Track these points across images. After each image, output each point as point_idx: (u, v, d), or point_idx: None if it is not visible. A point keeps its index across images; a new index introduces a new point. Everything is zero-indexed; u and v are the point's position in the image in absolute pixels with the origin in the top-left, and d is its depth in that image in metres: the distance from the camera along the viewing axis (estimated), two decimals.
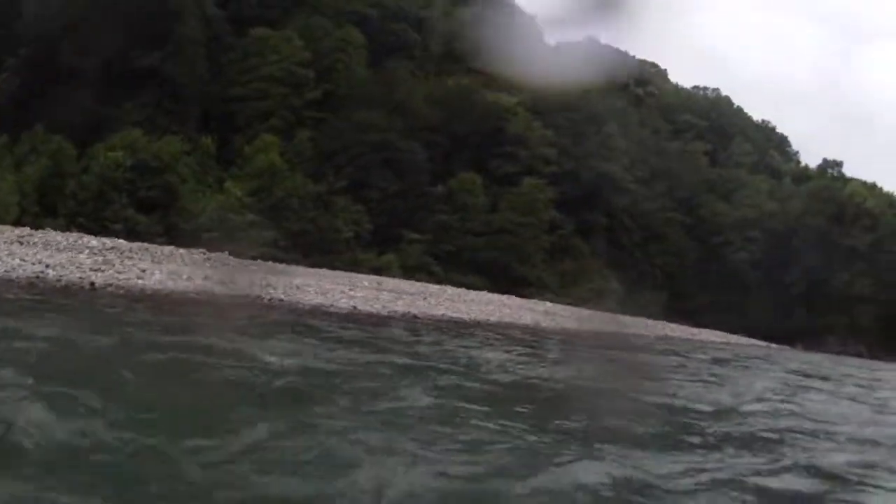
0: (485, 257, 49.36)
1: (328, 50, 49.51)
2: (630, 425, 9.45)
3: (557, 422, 9.88)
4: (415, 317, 27.06)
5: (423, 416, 8.67)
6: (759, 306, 66.56)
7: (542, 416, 10.15)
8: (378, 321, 23.54)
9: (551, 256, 54.35)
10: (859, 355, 64.25)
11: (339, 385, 10.75)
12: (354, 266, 41.19)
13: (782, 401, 16.01)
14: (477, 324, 28.37)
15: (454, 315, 29.23)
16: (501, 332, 26.42)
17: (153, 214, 35.48)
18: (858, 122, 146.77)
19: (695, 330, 54.28)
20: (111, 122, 37.49)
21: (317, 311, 23.15)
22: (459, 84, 54.93)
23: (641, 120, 65.53)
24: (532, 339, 25.28)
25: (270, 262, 35.39)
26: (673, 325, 52.80)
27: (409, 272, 43.48)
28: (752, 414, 13.35)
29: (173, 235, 34.53)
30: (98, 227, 32.83)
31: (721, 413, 12.63)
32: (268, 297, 23.46)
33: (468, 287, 44.05)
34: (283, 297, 24.08)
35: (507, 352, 19.35)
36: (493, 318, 31.45)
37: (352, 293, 28.57)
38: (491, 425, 8.73)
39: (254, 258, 34.84)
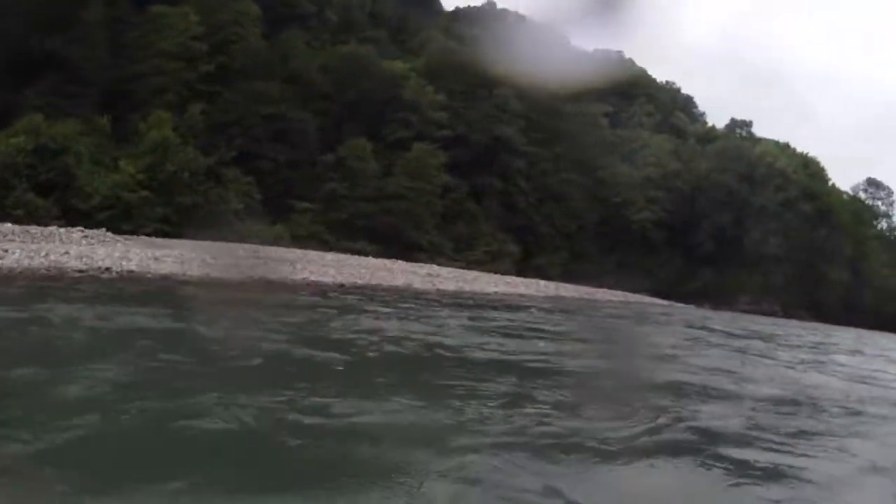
0: (376, 223, 54.58)
1: (224, 23, 53.75)
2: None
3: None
4: (269, 282, 29.19)
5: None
6: (665, 266, 72.99)
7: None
8: (223, 287, 25.97)
9: (445, 221, 60.11)
10: (773, 314, 71.02)
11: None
12: (246, 238, 44.51)
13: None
14: (340, 286, 31.19)
15: (317, 279, 32.24)
16: (363, 294, 29.36)
17: (50, 197, 38.81)
18: (773, 85, 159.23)
19: (591, 290, 58.91)
20: (14, 108, 40.83)
21: (167, 279, 25.82)
22: (353, 52, 59.97)
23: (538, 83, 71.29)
24: (396, 300, 27.95)
25: (153, 238, 39.61)
26: (568, 286, 58.01)
27: (300, 241, 47.92)
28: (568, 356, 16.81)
29: (71, 217, 37.91)
30: (2, 214, 35.50)
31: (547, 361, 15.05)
32: (118, 269, 25.95)
33: (360, 254, 49.05)
34: (134, 268, 26.49)
35: (336, 309, 21.88)
36: (360, 281, 34.81)
37: (212, 262, 30.51)
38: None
39: (148, 234, 40.46)
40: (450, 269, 50.83)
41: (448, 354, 15.03)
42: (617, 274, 68.43)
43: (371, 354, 14.24)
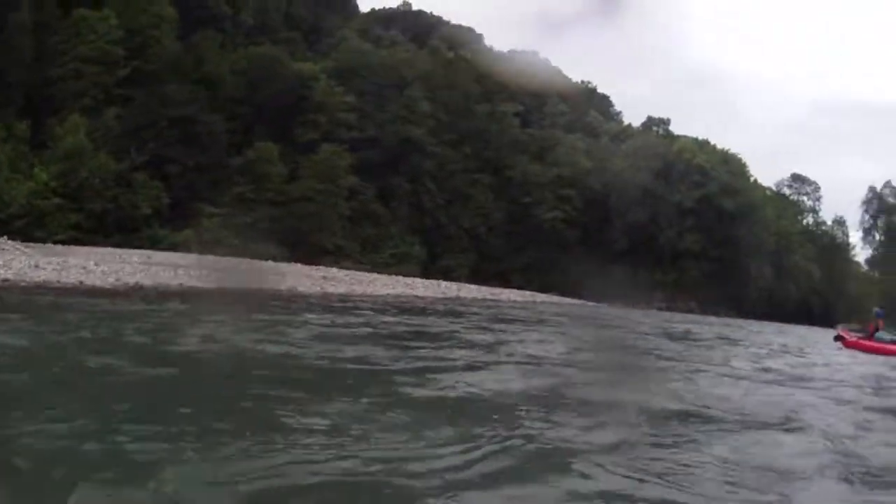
0: (283, 227, 58.87)
1: (142, 26, 58.78)
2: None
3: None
4: (141, 287, 30.43)
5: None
6: (577, 265, 75.22)
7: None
8: (94, 293, 26.72)
9: (352, 223, 66.25)
10: (690, 311, 77.09)
11: None
12: (155, 244, 50.95)
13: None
14: (213, 292, 31.88)
15: (193, 284, 33.37)
16: (235, 300, 30.17)
17: None
18: (699, 86, 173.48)
19: (496, 290, 63.56)
20: None
21: (41, 287, 26.75)
22: (264, 54, 65.91)
23: (451, 83, 78.38)
24: (265, 303, 28.51)
25: (57, 246, 43.67)
26: (472, 287, 62.13)
27: (207, 247, 49.81)
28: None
29: None
30: None
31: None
32: None
33: (265, 258, 52.05)
34: (10, 276, 27.73)
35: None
36: (241, 287, 36.00)
37: (95, 268, 32.70)
38: None
39: (62, 242, 46.00)
40: (348, 272, 54.71)
41: (252, 362, 13.78)
42: (527, 274, 75.95)
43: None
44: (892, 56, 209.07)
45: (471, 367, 15.13)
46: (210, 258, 45.25)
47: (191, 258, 44.97)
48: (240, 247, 53.47)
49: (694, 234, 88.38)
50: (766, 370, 20.81)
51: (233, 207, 58.78)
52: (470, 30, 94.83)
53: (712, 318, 64.59)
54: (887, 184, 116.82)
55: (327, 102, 68.36)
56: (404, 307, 36.37)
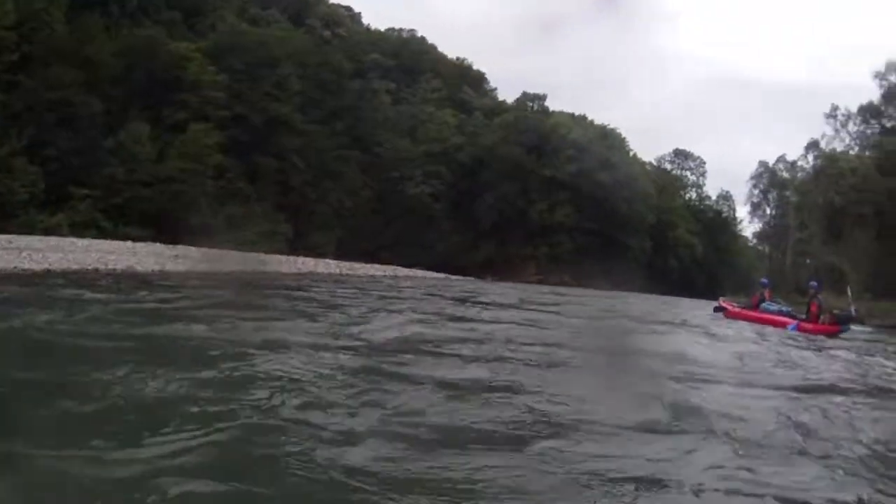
0: (152, 208, 65.74)
1: (36, 11, 63.88)
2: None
3: None
4: None
5: None
6: (446, 240, 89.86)
7: None
8: None
9: (218, 202, 71.91)
10: (564, 283, 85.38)
11: None
12: (29, 228, 54.32)
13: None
14: (46, 273, 32.91)
15: (27, 266, 34.07)
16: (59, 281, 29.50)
17: None
18: (587, 66, 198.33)
19: (357, 265, 68.12)
20: None
21: None
22: (142, 35, 72.85)
23: (324, 61, 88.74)
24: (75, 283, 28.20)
25: None
26: (330, 262, 67.67)
27: (79, 229, 56.88)
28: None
29: None
30: None
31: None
32: None
33: (135, 239, 57.10)
34: None
35: None
36: (74, 266, 37.03)
37: None
38: None
39: None
40: (206, 251, 55.44)
41: None
42: (395, 249, 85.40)
43: None
44: (788, 35, 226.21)
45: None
46: (67, 241, 50.08)
47: (50, 241, 48.06)
48: (109, 230, 62.24)
49: (567, 208, 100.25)
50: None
51: (104, 190, 65.28)
52: (348, 8, 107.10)
53: (580, 290, 68.64)
54: (781, 158, 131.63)
55: (199, 82, 76.30)
56: (226, 282, 37.05)
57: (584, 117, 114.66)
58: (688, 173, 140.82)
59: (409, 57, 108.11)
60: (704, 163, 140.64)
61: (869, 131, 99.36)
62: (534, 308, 35.46)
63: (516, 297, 45.58)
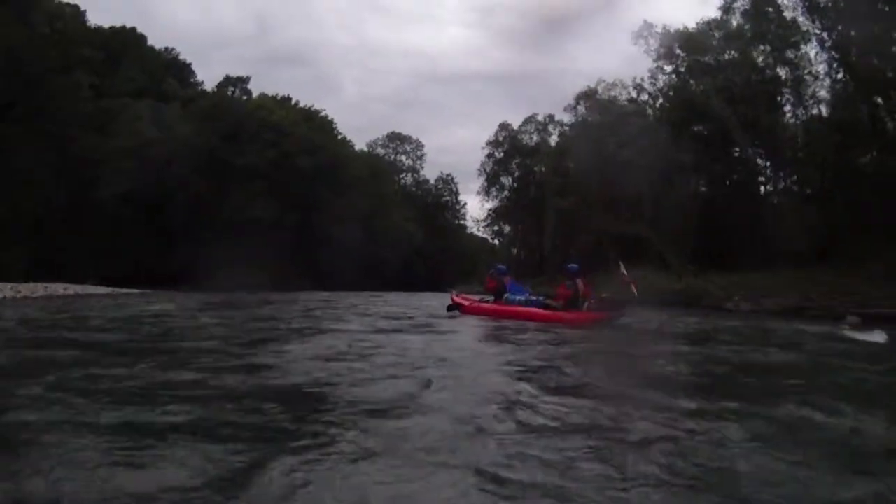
0: None
1: None
2: None
3: None
4: None
5: None
6: (136, 247, 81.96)
7: None
8: None
9: None
10: (261, 287, 73.03)
11: None
12: None
13: None
14: None
15: None
16: None
17: None
18: (301, 63, 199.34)
19: (33, 286, 58.34)
20: None
21: None
22: None
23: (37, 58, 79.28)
24: None
25: None
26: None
27: None
28: None
29: None
30: None
31: None
32: None
33: None
34: None
35: None
36: None
37: None
38: None
39: None
40: None
41: None
42: (86, 262, 75.77)
43: None
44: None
45: None
46: None
47: None
48: None
49: (266, 200, 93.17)
50: None
51: None
52: (73, 5, 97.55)
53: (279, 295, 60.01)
54: (532, 118, 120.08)
55: None
56: None
57: (287, 98, 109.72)
58: (403, 157, 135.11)
59: (116, 49, 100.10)
60: (422, 145, 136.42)
61: None
62: None
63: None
